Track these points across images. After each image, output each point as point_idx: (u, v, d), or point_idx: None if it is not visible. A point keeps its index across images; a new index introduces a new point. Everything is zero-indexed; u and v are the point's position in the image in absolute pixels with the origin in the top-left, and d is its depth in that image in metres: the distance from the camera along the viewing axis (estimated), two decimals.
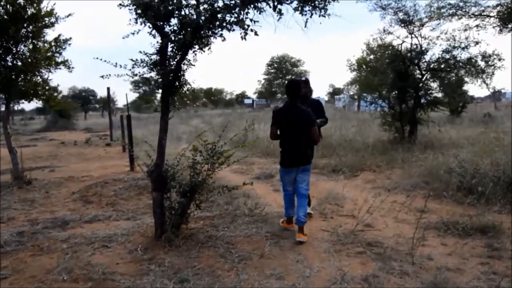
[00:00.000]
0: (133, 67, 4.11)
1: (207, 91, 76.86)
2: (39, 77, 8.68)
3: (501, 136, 8.71)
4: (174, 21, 4.03)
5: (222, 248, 4.23)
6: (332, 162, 9.20)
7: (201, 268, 3.75)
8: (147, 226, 4.89)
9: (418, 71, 11.55)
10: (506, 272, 3.60)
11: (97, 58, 4.32)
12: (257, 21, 3.88)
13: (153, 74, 4.22)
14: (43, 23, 7.98)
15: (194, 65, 4.31)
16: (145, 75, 4.22)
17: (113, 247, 4.32)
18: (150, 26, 4.06)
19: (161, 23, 4.04)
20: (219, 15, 3.75)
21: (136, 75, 4.17)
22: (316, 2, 3.83)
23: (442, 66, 11.38)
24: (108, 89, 18.94)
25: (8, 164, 8.57)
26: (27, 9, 7.66)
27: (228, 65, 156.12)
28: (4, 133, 8.39)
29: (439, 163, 7.27)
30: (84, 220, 5.47)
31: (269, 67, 68.30)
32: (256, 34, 3.87)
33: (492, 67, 11.54)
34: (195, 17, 3.82)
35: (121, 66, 4.08)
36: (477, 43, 10.94)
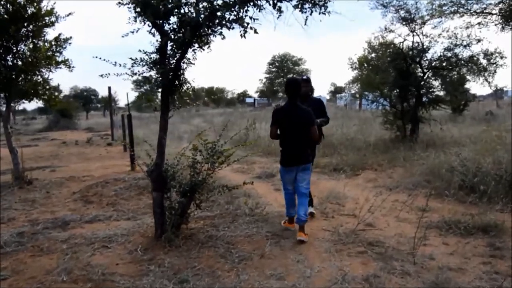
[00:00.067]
0: (132, 66, 4.08)
1: (209, 90, 76.85)
2: (39, 77, 8.68)
3: (503, 134, 8.66)
4: (173, 19, 4.01)
5: (222, 248, 4.21)
6: (334, 161, 9.18)
7: (201, 269, 3.72)
8: (147, 226, 4.88)
9: (419, 69, 11.51)
10: (508, 271, 3.56)
11: (96, 57, 4.29)
12: (257, 19, 3.86)
13: (152, 73, 4.19)
14: (43, 22, 7.98)
15: (193, 64, 4.29)
16: (144, 74, 4.19)
17: (113, 247, 4.31)
18: (150, 24, 4.03)
19: (160, 21, 4.01)
20: (218, 13, 3.72)
21: (135, 74, 4.14)
22: (316, 0, 3.79)
23: (444, 64, 11.33)
24: (109, 88, 18.94)
25: (9, 164, 8.56)
26: (27, 8, 7.66)
27: (228, 64, 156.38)
28: (5, 133, 8.38)
29: (441, 161, 7.23)
30: (85, 220, 5.46)
31: (271, 66, 68.18)
32: (255, 32, 3.85)
33: (494, 65, 11.45)
34: (194, 15, 3.79)
35: (120, 65, 4.06)
36: (479, 41, 10.88)
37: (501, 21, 12.03)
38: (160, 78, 4.16)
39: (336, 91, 70.51)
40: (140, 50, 4.09)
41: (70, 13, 8.27)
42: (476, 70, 11.59)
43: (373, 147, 10.22)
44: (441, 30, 11.26)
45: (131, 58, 4.04)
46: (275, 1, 3.82)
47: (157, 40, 4.09)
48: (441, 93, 12.38)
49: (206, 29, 3.89)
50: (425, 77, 11.45)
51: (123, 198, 6.63)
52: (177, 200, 4.47)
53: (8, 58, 7.88)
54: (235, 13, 3.77)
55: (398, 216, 5.35)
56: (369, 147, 10.21)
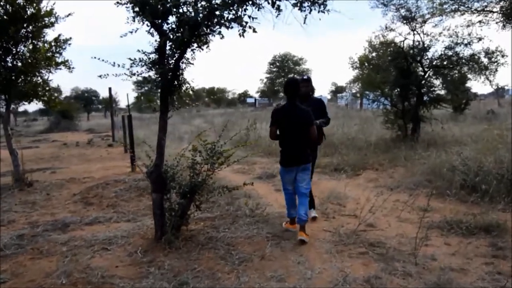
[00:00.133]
0: (131, 67, 4.06)
1: (210, 91, 76.88)
2: (39, 78, 8.65)
3: (505, 133, 8.60)
4: (172, 19, 3.99)
5: (223, 249, 4.18)
6: (334, 161, 9.15)
7: (201, 271, 3.70)
8: (147, 228, 4.85)
9: (420, 68, 11.46)
10: (511, 272, 3.53)
11: (95, 57, 4.27)
12: (256, 18, 3.83)
13: (151, 73, 4.17)
14: (43, 23, 7.95)
15: (192, 64, 4.26)
16: (143, 75, 4.17)
17: (113, 249, 4.28)
18: (148, 24, 4.01)
19: (159, 21, 3.99)
20: (217, 12, 3.69)
21: (134, 74, 4.12)
22: None
23: (445, 63, 11.28)
24: (110, 89, 18.91)
25: (9, 166, 8.54)
26: (27, 9, 7.63)
27: (226, 63, 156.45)
28: (5, 134, 8.37)
29: (442, 161, 7.19)
30: (85, 222, 5.44)
31: (271, 66, 68.18)
32: (254, 31, 3.82)
33: (495, 63, 11.41)
34: (193, 14, 3.77)
35: (119, 65, 4.03)
36: (480, 39, 10.83)
37: (502, 19, 11.97)
38: (159, 79, 4.13)
39: (337, 90, 70.55)
40: (139, 50, 4.07)
41: (69, 14, 8.26)
42: (477, 69, 11.55)
43: (374, 147, 10.19)
44: (442, 28, 11.25)
45: (130, 59, 4.02)
46: (274, 0, 3.79)
47: (156, 40, 4.06)
48: (442, 92, 12.33)
49: (205, 29, 3.86)
50: (426, 76, 11.40)
51: (124, 200, 6.61)
52: (177, 202, 4.45)
53: (7, 59, 7.85)
54: (233, 12, 3.74)
55: (399, 216, 5.32)
56: (370, 147, 10.18)
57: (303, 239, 4.37)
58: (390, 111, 11.96)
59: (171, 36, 4.02)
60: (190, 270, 3.70)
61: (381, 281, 3.41)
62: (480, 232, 4.49)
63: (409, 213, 5.42)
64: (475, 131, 10.93)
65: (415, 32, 11.16)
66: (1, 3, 7.39)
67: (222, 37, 3.99)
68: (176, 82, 4.23)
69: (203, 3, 3.77)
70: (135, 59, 4.01)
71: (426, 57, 11.35)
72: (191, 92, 4.50)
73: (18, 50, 7.95)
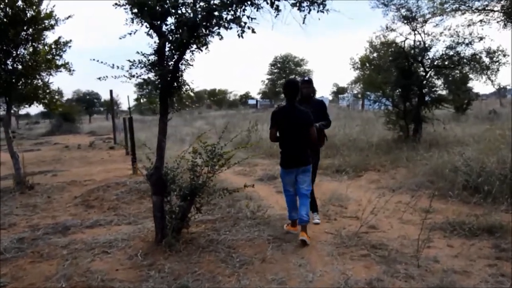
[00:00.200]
0: (130, 68, 4.04)
1: (211, 92, 76.93)
2: (39, 81, 8.66)
3: (507, 133, 8.56)
4: (170, 20, 3.97)
5: (223, 252, 4.15)
6: (336, 162, 9.11)
7: (202, 274, 3.67)
8: (148, 231, 4.83)
9: (421, 68, 11.41)
10: None
11: (94, 59, 4.25)
12: (254, 18, 3.81)
13: (151, 75, 4.15)
14: (43, 25, 7.97)
15: (192, 65, 4.24)
16: (142, 76, 4.15)
17: (113, 252, 4.26)
18: (147, 26, 3.99)
19: (158, 22, 3.97)
20: (215, 13, 3.67)
21: (133, 76, 4.10)
22: None
23: (446, 62, 11.22)
24: (111, 92, 18.92)
25: (11, 169, 8.54)
26: (27, 12, 7.65)
27: (225, 64, 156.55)
28: (6, 137, 8.36)
29: (444, 161, 7.15)
30: (85, 225, 5.43)
31: (273, 67, 68.19)
32: (253, 31, 3.80)
33: (497, 63, 11.34)
34: (191, 15, 3.75)
35: (118, 67, 4.02)
36: (481, 38, 10.77)
37: (503, 18, 11.90)
38: (159, 80, 4.11)
39: (339, 91, 70.37)
40: (138, 52, 4.05)
41: (69, 16, 8.29)
42: (478, 69, 11.47)
43: (376, 148, 10.14)
44: (443, 28, 11.15)
45: (129, 60, 4.00)
46: (273, 0, 3.77)
47: (155, 42, 4.05)
48: (444, 92, 12.28)
49: (204, 30, 3.84)
50: (427, 76, 11.35)
51: (124, 202, 6.59)
52: (177, 204, 4.42)
53: (8, 62, 7.86)
54: (232, 12, 3.72)
55: (401, 217, 5.28)
56: (371, 148, 10.14)
57: (305, 239, 4.33)
58: (391, 111, 11.92)
59: (170, 38, 4.01)
60: (191, 273, 3.67)
61: (383, 283, 3.38)
62: (483, 234, 4.44)
63: (411, 215, 5.38)
64: (477, 131, 10.89)
65: (416, 32, 11.11)
66: (1, 6, 7.39)
67: (221, 38, 3.97)
68: (175, 84, 4.21)
69: (202, 4, 3.76)
70: (134, 60, 4.00)
71: (427, 57, 11.30)
72: (191, 94, 4.48)
73: (18, 52, 7.96)
